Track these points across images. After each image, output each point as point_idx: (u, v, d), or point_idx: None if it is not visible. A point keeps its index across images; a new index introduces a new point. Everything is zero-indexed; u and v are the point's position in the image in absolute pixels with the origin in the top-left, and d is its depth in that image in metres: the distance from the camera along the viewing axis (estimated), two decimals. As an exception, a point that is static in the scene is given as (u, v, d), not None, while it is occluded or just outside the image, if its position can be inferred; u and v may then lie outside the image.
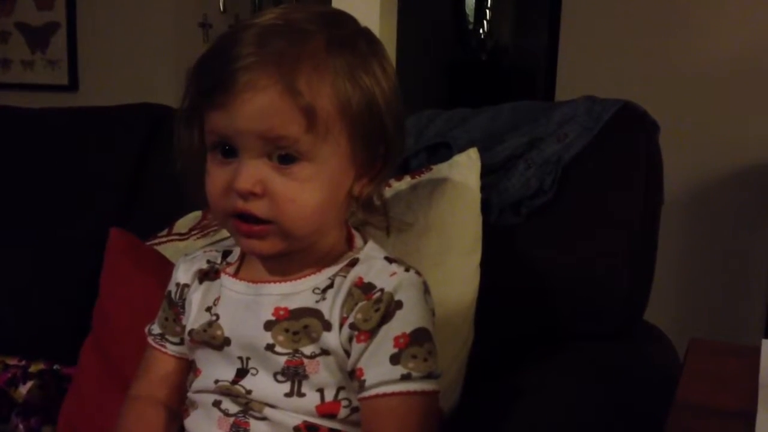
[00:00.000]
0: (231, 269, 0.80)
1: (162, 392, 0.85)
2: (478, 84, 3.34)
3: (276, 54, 0.67)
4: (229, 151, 0.70)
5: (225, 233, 0.91)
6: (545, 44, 2.52)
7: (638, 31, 2.30)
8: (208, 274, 0.81)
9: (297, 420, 0.73)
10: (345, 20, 0.75)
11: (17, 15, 3.04)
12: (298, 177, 0.69)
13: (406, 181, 1.07)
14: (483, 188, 1.05)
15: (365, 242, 0.79)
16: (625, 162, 1.09)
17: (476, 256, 1.01)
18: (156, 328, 0.86)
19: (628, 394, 0.93)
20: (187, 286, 0.83)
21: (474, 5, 3.50)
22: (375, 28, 1.38)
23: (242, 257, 0.81)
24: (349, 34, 0.73)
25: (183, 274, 0.83)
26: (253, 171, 0.69)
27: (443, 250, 0.99)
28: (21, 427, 1.21)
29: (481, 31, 3.49)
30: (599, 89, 1.23)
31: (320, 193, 0.71)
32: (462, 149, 1.09)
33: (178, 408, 0.84)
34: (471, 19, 3.51)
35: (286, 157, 0.69)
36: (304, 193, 0.70)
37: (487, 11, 3.48)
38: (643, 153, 1.09)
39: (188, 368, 0.83)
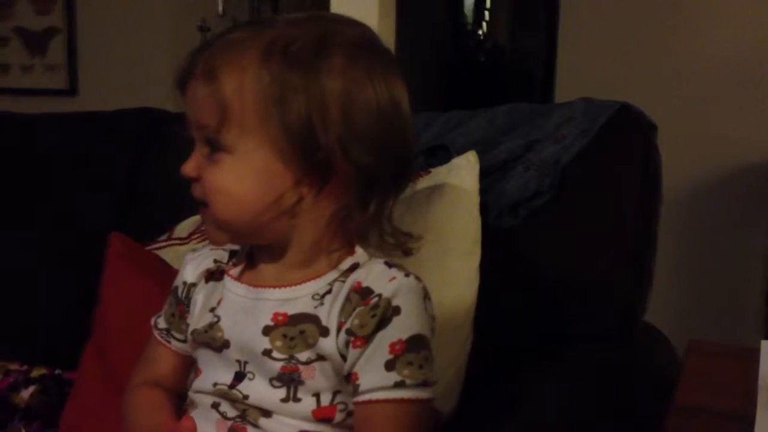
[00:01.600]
0: (235, 271, 0.80)
1: (165, 382, 0.86)
2: (477, 85, 3.34)
3: (219, 51, 0.72)
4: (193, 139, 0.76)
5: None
6: (544, 45, 2.52)
7: (636, 33, 2.30)
8: (213, 275, 0.82)
9: (293, 430, 0.73)
10: (326, 24, 0.76)
11: (16, 20, 3.04)
12: (221, 166, 0.73)
13: (405, 185, 1.07)
14: (481, 190, 1.05)
15: (366, 246, 0.78)
16: (623, 163, 1.09)
17: (475, 259, 1.01)
18: (162, 322, 0.87)
19: (627, 396, 0.94)
20: (193, 285, 0.83)
21: (472, 6, 3.50)
22: (374, 30, 1.38)
23: (247, 260, 0.81)
24: (318, 49, 0.72)
25: (190, 272, 0.84)
26: (194, 157, 0.75)
27: (442, 252, 0.99)
28: (23, 431, 1.21)
29: (479, 32, 3.49)
30: (597, 90, 1.23)
31: (242, 184, 0.72)
32: (460, 152, 1.09)
33: (181, 396, 0.84)
34: (469, 20, 3.51)
35: (213, 147, 0.73)
36: (226, 181, 0.73)
37: (486, 12, 3.48)
38: (641, 154, 1.09)
39: (190, 365, 0.83)
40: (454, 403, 0.97)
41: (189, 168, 0.74)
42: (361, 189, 0.73)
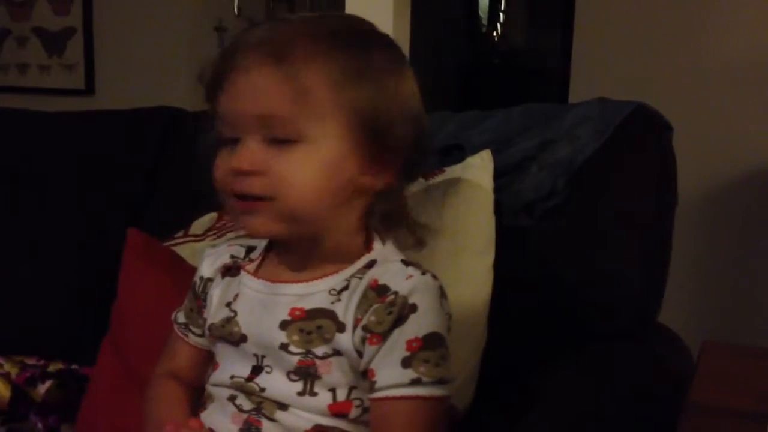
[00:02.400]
0: (251, 266, 0.81)
1: (183, 376, 0.88)
2: (492, 86, 3.34)
3: (274, 40, 0.71)
4: (231, 140, 0.73)
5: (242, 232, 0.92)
6: (558, 46, 2.51)
7: (651, 33, 2.29)
8: (230, 270, 0.83)
9: (308, 424, 0.74)
10: (364, 28, 0.77)
11: (34, 20, 3.07)
12: (293, 156, 0.71)
13: (420, 183, 1.07)
14: (496, 190, 1.05)
15: (384, 244, 0.79)
16: (638, 163, 1.09)
17: (489, 258, 1.01)
18: (181, 317, 0.88)
19: (641, 396, 0.93)
20: (210, 280, 0.84)
21: (487, 7, 3.50)
22: (388, 31, 1.38)
23: (264, 255, 0.82)
24: (362, 38, 0.75)
25: (207, 268, 0.85)
26: (250, 150, 0.71)
27: (456, 251, 1.00)
28: (40, 425, 1.22)
29: (494, 33, 3.49)
30: (612, 91, 1.23)
31: (314, 173, 0.71)
32: (475, 151, 1.09)
33: (199, 390, 0.85)
34: (484, 21, 3.51)
35: (280, 138, 0.71)
36: (298, 171, 0.71)
37: (501, 13, 3.48)
38: (657, 154, 1.09)
39: (208, 359, 0.84)
40: (468, 401, 0.97)
41: (246, 162, 0.71)
42: (401, 178, 0.76)
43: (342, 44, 0.72)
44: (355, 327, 0.72)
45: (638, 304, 1.08)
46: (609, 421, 0.89)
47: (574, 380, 0.97)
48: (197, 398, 0.85)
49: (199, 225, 1.21)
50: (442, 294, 0.74)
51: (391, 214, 0.78)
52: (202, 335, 0.85)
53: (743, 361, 0.84)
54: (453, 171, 1.07)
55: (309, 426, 0.74)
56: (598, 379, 0.97)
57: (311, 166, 0.71)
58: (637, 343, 1.06)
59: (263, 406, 0.75)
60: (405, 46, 1.56)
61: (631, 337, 1.07)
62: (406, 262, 0.75)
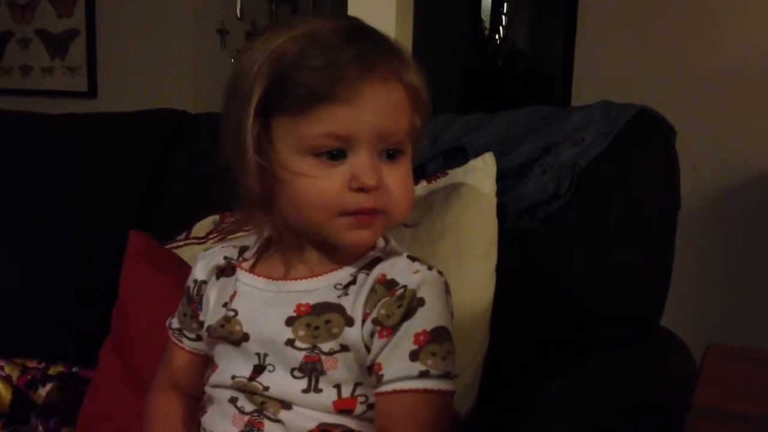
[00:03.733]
0: (247, 264, 0.81)
1: (182, 384, 0.87)
2: (495, 90, 3.34)
3: (382, 50, 0.71)
4: (337, 154, 0.71)
5: (240, 234, 0.92)
6: (561, 49, 2.51)
7: (654, 36, 2.29)
8: (224, 270, 0.82)
9: (312, 423, 0.74)
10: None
11: (37, 22, 3.07)
12: (404, 168, 0.74)
13: (422, 186, 1.07)
14: (499, 193, 1.05)
15: (387, 242, 0.79)
16: (641, 167, 1.09)
17: (492, 261, 1.01)
18: (175, 323, 0.88)
19: (645, 400, 0.93)
20: (204, 282, 0.83)
21: (490, 11, 3.50)
22: (391, 34, 1.38)
23: (259, 253, 0.82)
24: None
25: (201, 270, 0.84)
26: (373, 165, 0.71)
27: (459, 254, 1.00)
28: (40, 428, 1.22)
29: (497, 36, 3.50)
30: (616, 94, 1.23)
31: (411, 182, 0.76)
32: (478, 154, 1.09)
33: (198, 398, 0.84)
34: (487, 24, 3.51)
35: (393, 151, 0.73)
36: (406, 184, 0.74)
37: (503, 17, 3.48)
38: (660, 158, 1.09)
39: (205, 364, 0.84)
40: (470, 405, 0.97)
41: (375, 177, 0.71)
42: None
43: (408, 54, 0.75)
44: (364, 321, 0.72)
45: (641, 308, 1.07)
46: (612, 426, 0.89)
47: (576, 385, 0.97)
48: (197, 408, 0.84)
49: (201, 227, 1.21)
50: (447, 290, 0.75)
51: None
52: (196, 339, 0.85)
53: (747, 364, 0.84)
54: (455, 174, 1.07)
55: (314, 425, 0.74)
56: (601, 383, 0.97)
57: (410, 176, 0.75)
58: (640, 346, 1.06)
59: (266, 406, 0.75)
60: (408, 49, 1.56)
61: (634, 341, 1.06)
62: (412, 258, 0.76)
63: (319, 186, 0.71)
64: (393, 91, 0.71)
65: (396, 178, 0.73)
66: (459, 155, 1.15)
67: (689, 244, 1.33)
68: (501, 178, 1.06)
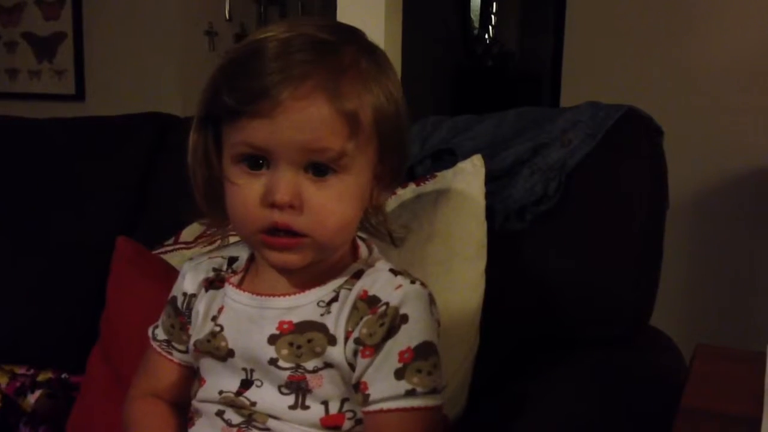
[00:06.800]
0: (235, 279, 0.80)
1: (166, 395, 0.85)
2: (484, 90, 3.35)
3: (316, 64, 0.66)
4: (258, 163, 0.69)
5: (231, 241, 0.91)
6: (550, 50, 2.52)
7: (643, 37, 2.30)
8: (213, 283, 0.81)
9: None
10: (356, 32, 0.74)
11: (24, 25, 3.05)
12: (335, 189, 0.69)
13: (411, 189, 1.07)
14: (488, 194, 1.05)
15: (370, 252, 0.79)
16: (629, 167, 1.09)
17: (481, 263, 1.01)
18: (161, 334, 0.85)
19: (634, 400, 0.93)
20: (194, 296, 0.82)
21: (479, 11, 3.51)
22: (380, 35, 1.38)
23: (247, 267, 0.81)
24: (368, 45, 0.73)
25: (190, 283, 0.82)
26: (292, 183, 0.67)
27: (448, 257, 0.99)
28: (29, 436, 1.21)
29: (486, 36, 3.50)
30: (604, 94, 1.23)
31: (353, 204, 0.71)
32: (466, 156, 1.09)
33: (182, 407, 0.83)
34: (476, 24, 3.52)
35: (321, 169, 0.68)
36: (341, 205, 0.69)
37: (493, 17, 3.49)
38: (648, 158, 1.09)
39: (192, 376, 0.83)
40: (460, 408, 0.97)
41: (289, 195, 0.67)
42: (389, 189, 0.77)
43: (375, 73, 0.70)
44: (346, 340, 0.72)
45: (630, 308, 1.08)
46: (601, 426, 0.89)
47: (566, 386, 0.97)
48: (182, 416, 0.83)
49: (190, 232, 1.20)
50: (432, 301, 0.74)
51: (379, 222, 0.79)
52: (185, 351, 0.83)
53: (736, 364, 0.84)
54: (444, 176, 1.06)
55: None
56: (590, 384, 0.97)
57: (346, 198, 0.70)
58: (629, 346, 1.07)
59: (254, 417, 0.74)
60: (397, 50, 1.56)
61: (623, 341, 1.07)
62: (394, 271, 0.74)
63: (242, 195, 0.70)
64: (319, 108, 0.66)
65: (320, 198, 0.68)
66: (448, 157, 1.15)
67: (678, 244, 1.34)
68: (490, 179, 1.06)
